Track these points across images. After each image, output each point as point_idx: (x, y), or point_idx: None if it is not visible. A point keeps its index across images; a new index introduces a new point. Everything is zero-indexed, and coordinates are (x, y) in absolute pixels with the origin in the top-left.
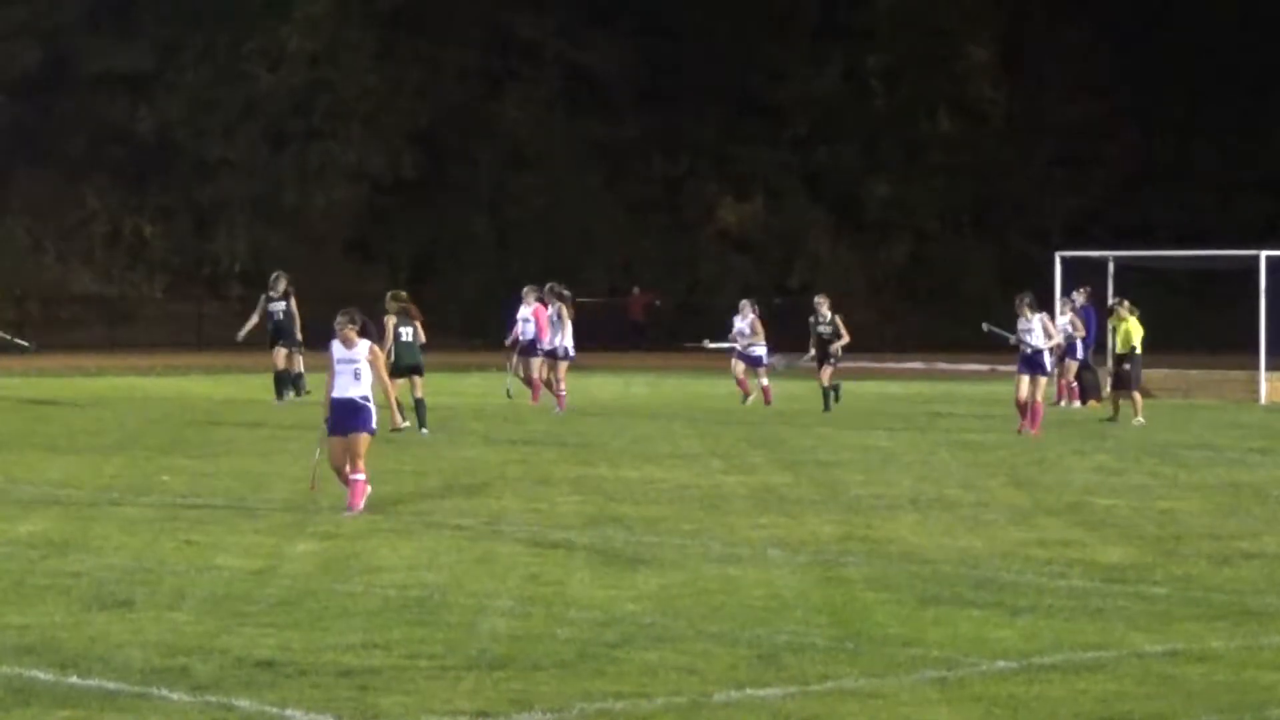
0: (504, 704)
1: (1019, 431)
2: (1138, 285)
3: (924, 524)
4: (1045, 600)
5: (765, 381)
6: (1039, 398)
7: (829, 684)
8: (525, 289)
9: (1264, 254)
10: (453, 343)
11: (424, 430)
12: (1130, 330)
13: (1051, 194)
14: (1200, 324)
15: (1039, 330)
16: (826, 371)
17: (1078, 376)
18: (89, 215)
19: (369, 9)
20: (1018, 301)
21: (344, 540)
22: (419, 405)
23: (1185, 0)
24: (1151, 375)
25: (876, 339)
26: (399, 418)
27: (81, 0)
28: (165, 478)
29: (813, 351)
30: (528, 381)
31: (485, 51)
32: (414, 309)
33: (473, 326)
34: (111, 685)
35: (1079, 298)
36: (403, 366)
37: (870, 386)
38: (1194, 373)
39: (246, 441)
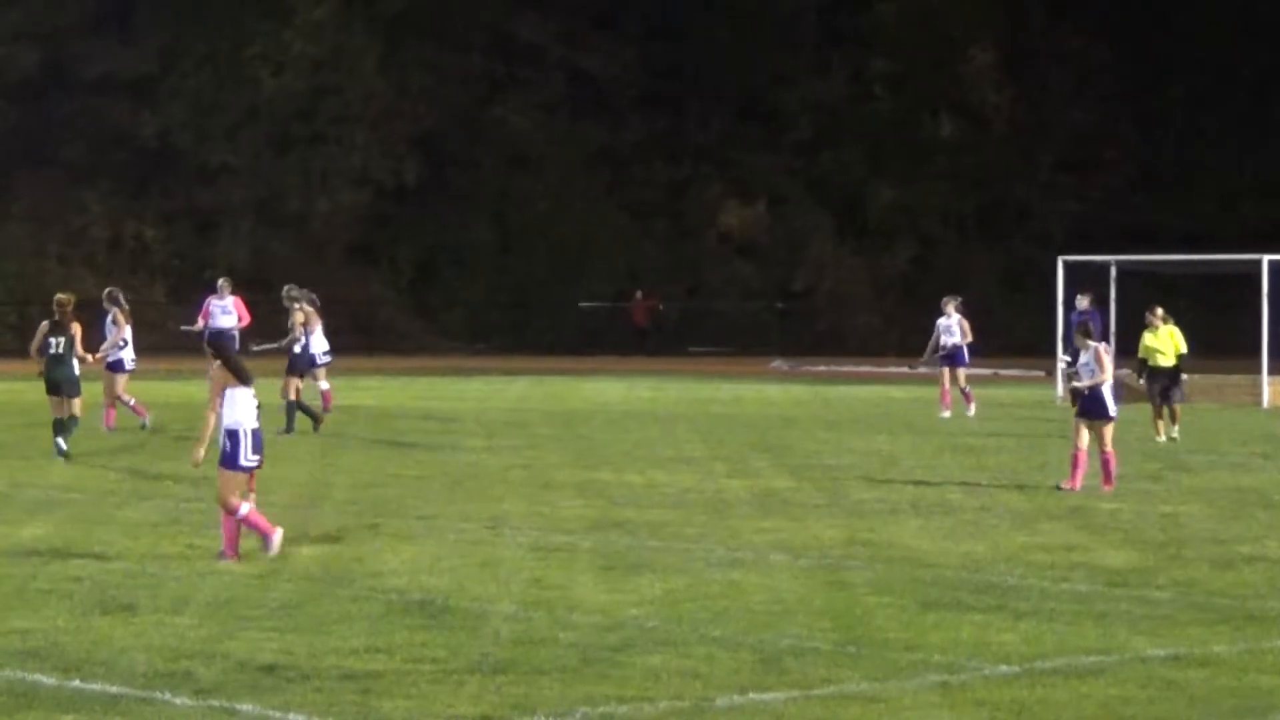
0: (506, 708)
1: (1059, 487)
2: (1140, 289)
3: (926, 528)
4: (1047, 604)
5: (323, 385)
6: (1108, 446)
7: (831, 688)
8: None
9: (1266, 258)
10: (456, 347)
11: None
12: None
13: (1054, 198)
14: (1202, 328)
15: (1093, 364)
16: (293, 384)
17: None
18: (91, 220)
19: (371, 13)
20: (1076, 333)
21: (346, 544)
22: (67, 423)
23: (1187, 4)
24: None
25: (880, 343)
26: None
27: (81, 3)
28: (168, 482)
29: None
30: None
31: (487, 56)
32: (70, 315)
33: (476, 331)
34: (114, 689)
35: (1083, 302)
36: (49, 382)
37: (873, 390)
38: (1196, 377)
39: None
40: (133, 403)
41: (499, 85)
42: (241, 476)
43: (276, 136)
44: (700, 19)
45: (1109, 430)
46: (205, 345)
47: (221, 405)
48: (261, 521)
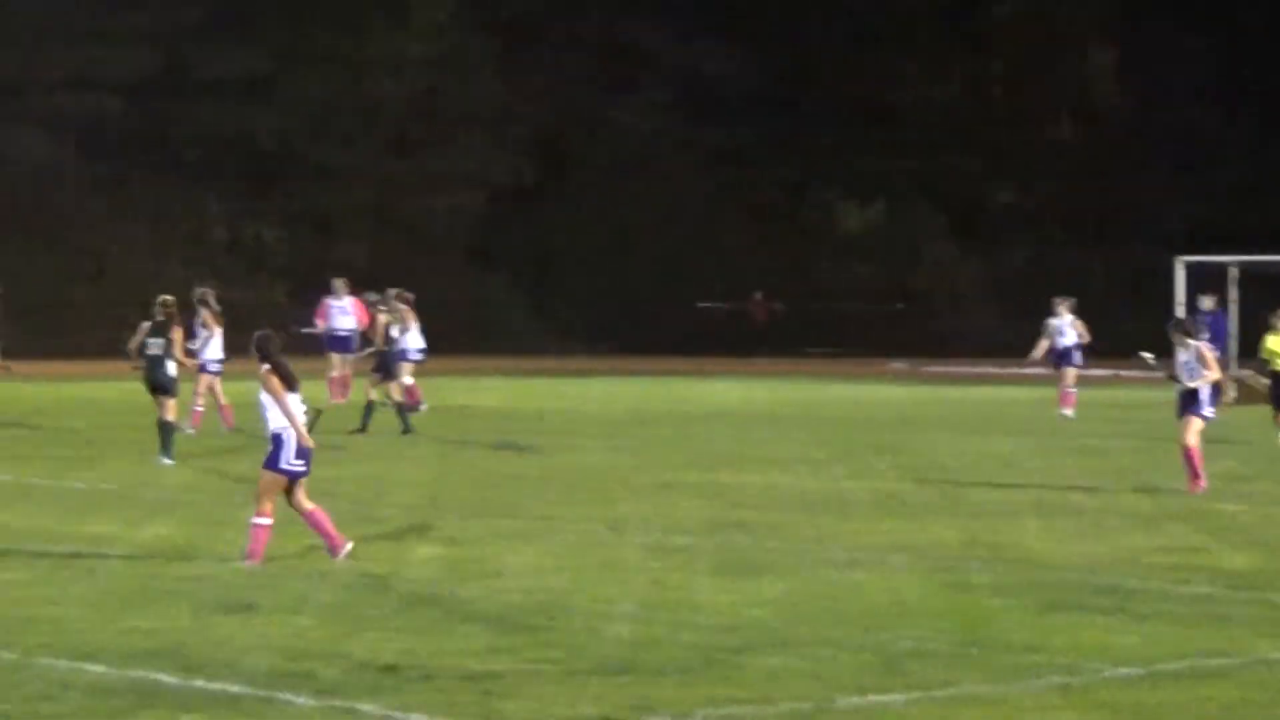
0: (627, 709)
1: (1191, 491)
2: (1261, 290)
3: (1047, 530)
4: (1169, 607)
5: (406, 381)
6: (1192, 442)
7: (952, 690)
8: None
9: None
10: (574, 347)
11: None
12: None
13: (1173, 199)
14: None
15: (1194, 362)
16: (393, 386)
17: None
18: (210, 221)
19: (488, 16)
20: (1174, 332)
21: (466, 545)
22: (166, 429)
23: None
24: None
25: (997, 344)
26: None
27: (200, 5)
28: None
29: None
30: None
31: (603, 59)
32: (173, 317)
33: (593, 331)
34: (236, 689)
35: (1207, 303)
36: (149, 382)
37: (992, 392)
38: None
39: (368, 446)
40: (200, 407)
41: (614, 87)
42: (281, 479)
43: (393, 138)
44: (816, 21)
45: (1200, 427)
46: (252, 348)
47: (273, 406)
48: (259, 544)
